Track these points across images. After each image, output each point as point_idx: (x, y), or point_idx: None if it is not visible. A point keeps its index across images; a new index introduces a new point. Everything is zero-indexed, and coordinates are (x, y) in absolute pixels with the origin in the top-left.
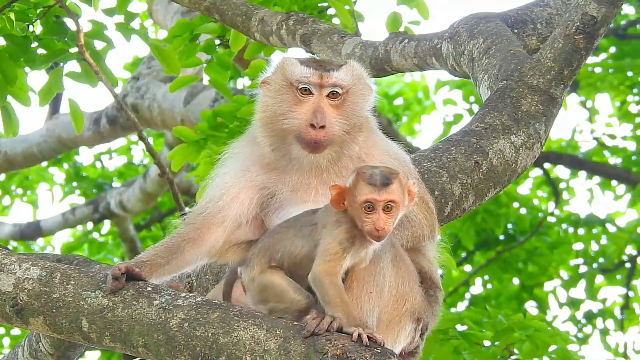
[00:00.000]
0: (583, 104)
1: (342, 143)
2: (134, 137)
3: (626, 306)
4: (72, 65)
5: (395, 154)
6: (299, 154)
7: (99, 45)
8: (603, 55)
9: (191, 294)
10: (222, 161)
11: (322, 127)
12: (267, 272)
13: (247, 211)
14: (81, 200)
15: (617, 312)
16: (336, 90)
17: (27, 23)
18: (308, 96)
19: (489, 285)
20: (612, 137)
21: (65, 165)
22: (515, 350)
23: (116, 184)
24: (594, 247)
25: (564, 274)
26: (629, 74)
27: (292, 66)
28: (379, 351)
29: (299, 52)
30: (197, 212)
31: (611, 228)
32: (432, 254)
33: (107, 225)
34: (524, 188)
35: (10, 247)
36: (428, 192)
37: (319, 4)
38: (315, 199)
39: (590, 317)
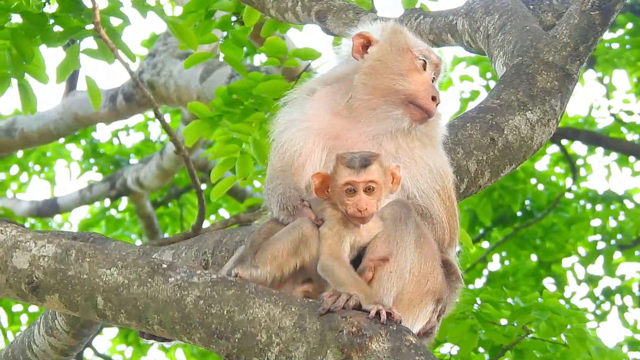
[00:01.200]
0: (600, 80)
1: (432, 124)
2: (150, 114)
3: None
4: (89, 42)
5: (441, 164)
6: (399, 117)
7: (115, 22)
8: (620, 32)
9: (207, 271)
10: (292, 103)
11: (438, 103)
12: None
13: (322, 163)
14: (98, 177)
15: (635, 288)
16: (438, 74)
17: (43, 0)
18: (423, 70)
19: (506, 262)
20: (630, 113)
21: (83, 142)
22: (532, 330)
23: (133, 160)
24: (612, 223)
25: (582, 250)
26: None
27: (413, 37)
28: (395, 328)
29: (313, 29)
30: (279, 168)
31: (629, 204)
32: (453, 256)
33: (124, 202)
34: (541, 164)
35: (27, 224)
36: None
37: None
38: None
39: (608, 293)
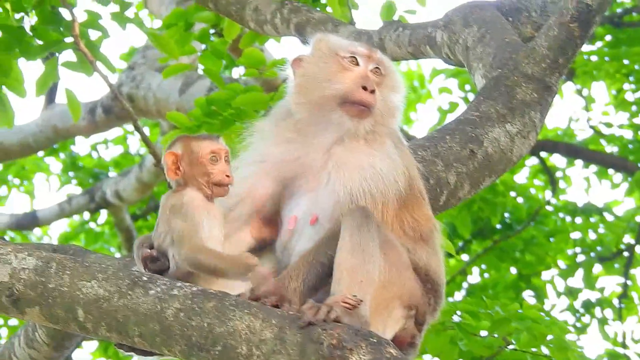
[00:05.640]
0: (579, 92)
1: (376, 121)
2: (130, 127)
3: (624, 295)
4: (68, 55)
5: (381, 164)
6: (340, 119)
7: (94, 35)
8: (599, 44)
9: (187, 284)
10: (245, 146)
11: (373, 92)
12: None
13: (263, 204)
14: (78, 190)
15: (615, 301)
16: (379, 67)
17: (23, 13)
18: (355, 66)
19: (486, 275)
20: (609, 125)
21: (62, 155)
22: (513, 341)
23: (112, 173)
24: (592, 235)
25: (562, 263)
26: (625, 62)
27: (338, 39)
28: (375, 340)
29: (292, 41)
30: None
31: (608, 217)
32: (436, 250)
33: (103, 215)
34: (520, 177)
35: (7, 237)
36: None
37: None
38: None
39: (588, 306)
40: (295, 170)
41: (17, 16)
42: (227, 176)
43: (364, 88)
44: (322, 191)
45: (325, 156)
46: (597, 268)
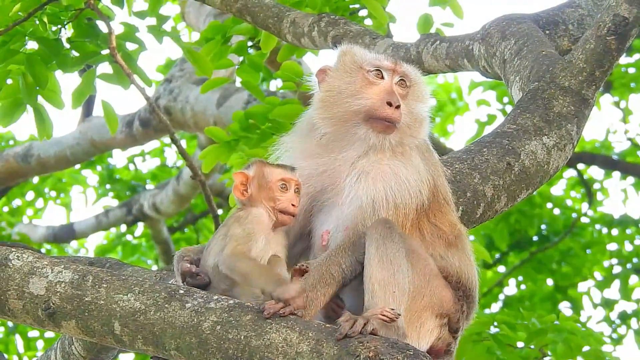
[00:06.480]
0: (617, 104)
1: (403, 133)
2: (167, 140)
3: None
4: (105, 68)
5: (405, 174)
6: (365, 135)
7: (131, 47)
8: (636, 56)
9: (223, 297)
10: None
11: (398, 107)
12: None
13: (304, 209)
14: (114, 203)
15: None
16: (404, 79)
17: (59, 26)
18: (380, 80)
19: (522, 286)
20: None
21: (99, 168)
22: (549, 352)
23: (149, 186)
24: (628, 247)
25: (598, 274)
26: None
27: (363, 52)
28: (412, 353)
29: (330, 54)
30: None
31: None
32: (466, 255)
33: (140, 227)
34: (557, 189)
35: (43, 249)
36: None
37: (351, 6)
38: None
39: (624, 317)
40: (322, 184)
41: (54, 28)
42: (293, 205)
43: (389, 104)
44: (347, 203)
45: (350, 169)
46: (634, 279)
